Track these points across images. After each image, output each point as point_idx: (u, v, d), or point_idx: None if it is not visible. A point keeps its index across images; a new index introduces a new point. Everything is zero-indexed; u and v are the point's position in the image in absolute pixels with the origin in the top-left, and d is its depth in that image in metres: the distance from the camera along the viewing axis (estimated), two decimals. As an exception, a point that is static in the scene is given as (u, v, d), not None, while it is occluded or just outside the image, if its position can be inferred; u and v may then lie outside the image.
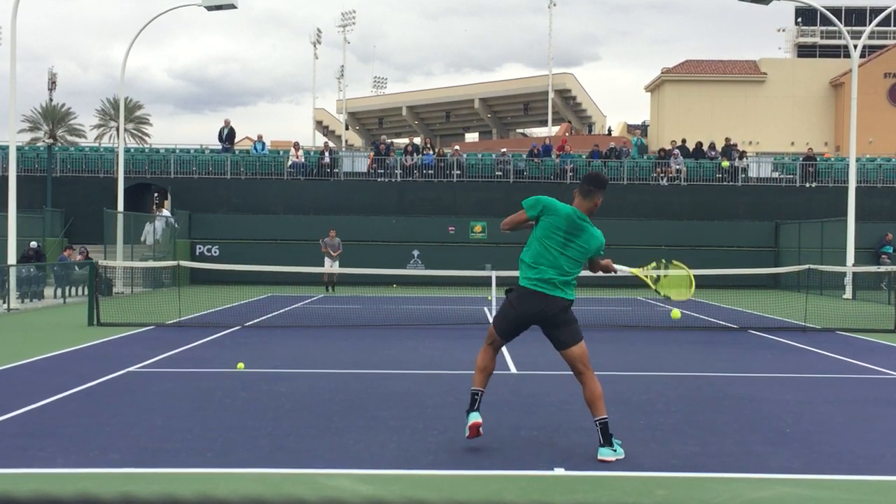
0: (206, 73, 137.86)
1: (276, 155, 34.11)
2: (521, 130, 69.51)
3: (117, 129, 38.94)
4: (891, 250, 28.68)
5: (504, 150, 36.54)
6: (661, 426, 7.32)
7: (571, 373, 6.41)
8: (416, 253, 29.81)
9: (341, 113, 64.77)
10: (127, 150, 32.57)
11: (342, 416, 7.60)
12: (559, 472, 5.86)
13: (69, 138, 60.16)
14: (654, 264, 7.33)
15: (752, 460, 6.23)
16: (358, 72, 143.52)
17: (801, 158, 34.00)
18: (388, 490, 5.45)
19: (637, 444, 6.58)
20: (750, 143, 47.45)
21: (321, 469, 5.88)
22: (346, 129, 65.86)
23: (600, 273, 6.70)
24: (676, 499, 5.35)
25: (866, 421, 7.73)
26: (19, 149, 29.16)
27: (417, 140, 47.76)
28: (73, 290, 22.64)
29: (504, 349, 8.73)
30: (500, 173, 33.03)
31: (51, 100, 60.70)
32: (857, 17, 57.02)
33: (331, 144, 40.74)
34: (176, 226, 28.61)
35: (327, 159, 33.16)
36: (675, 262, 7.39)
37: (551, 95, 55.93)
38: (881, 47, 54.64)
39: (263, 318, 17.51)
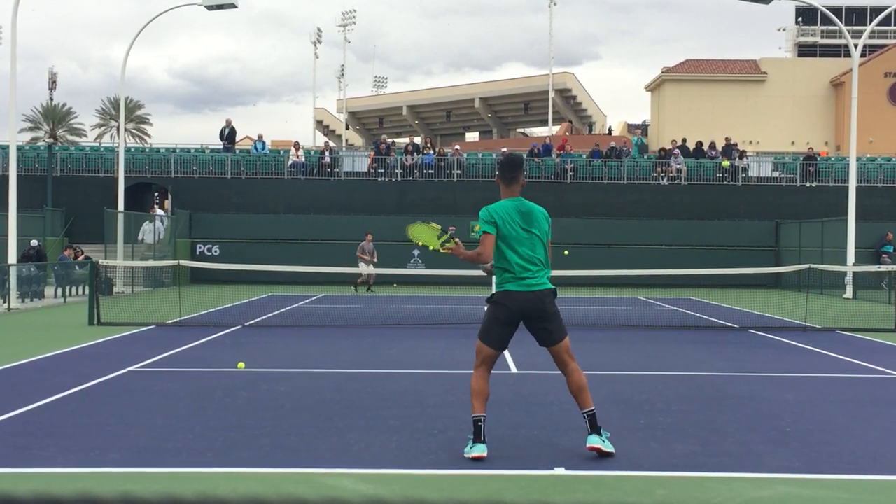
0: (207, 72, 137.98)
1: (277, 154, 34.13)
2: (521, 130, 69.48)
3: (118, 129, 38.92)
4: (891, 250, 28.68)
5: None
6: (661, 426, 7.32)
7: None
8: (416, 252, 29.80)
9: (342, 112, 64.73)
10: (127, 150, 32.58)
11: (342, 416, 7.60)
12: (559, 471, 5.86)
13: (69, 138, 60.18)
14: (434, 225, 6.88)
15: (752, 460, 6.22)
16: (358, 71, 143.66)
17: (801, 158, 34.02)
18: (389, 489, 5.45)
19: (637, 444, 6.58)
20: (750, 142, 47.41)
21: (321, 468, 5.88)
22: (347, 128, 65.82)
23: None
24: (676, 498, 5.34)
25: (866, 421, 7.72)
26: (20, 148, 29.15)
27: (418, 140, 47.71)
28: (74, 289, 22.64)
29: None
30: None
31: (51, 99, 60.81)
32: (857, 16, 56.94)
33: (331, 144, 40.76)
34: (163, 225, 28.57)
35: (328, 159, 33.18)
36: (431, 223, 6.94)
37: (552, 95, 55.86)
38: (881, 47, 54.59)
39: (264, 317, 17.51)
